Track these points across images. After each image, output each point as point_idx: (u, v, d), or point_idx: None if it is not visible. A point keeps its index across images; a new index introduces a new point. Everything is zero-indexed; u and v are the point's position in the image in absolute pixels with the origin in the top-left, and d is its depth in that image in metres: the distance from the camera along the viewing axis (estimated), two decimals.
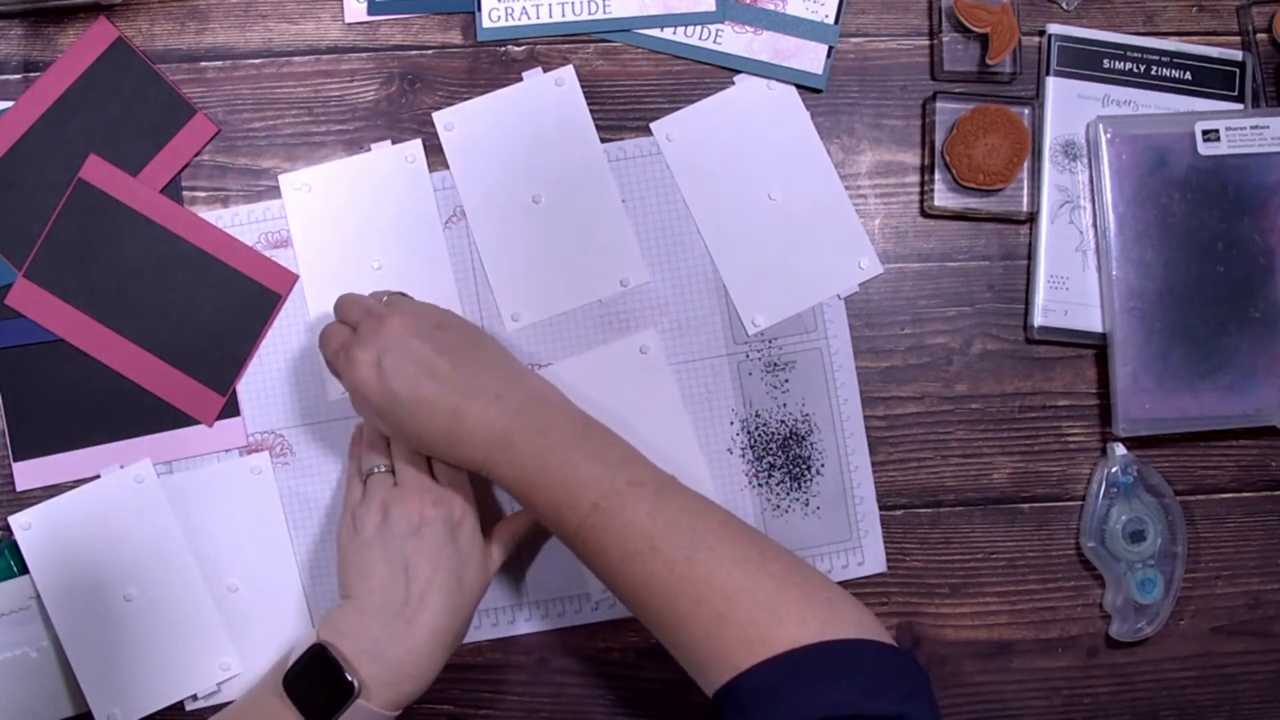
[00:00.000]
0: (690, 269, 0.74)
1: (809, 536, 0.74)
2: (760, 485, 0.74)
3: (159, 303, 0.73)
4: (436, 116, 0.74)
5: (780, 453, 0.74)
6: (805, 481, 0.74)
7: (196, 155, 0.74)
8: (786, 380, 0.74)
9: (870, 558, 0.74)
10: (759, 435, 0.74)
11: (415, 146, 0.74)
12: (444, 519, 0.64)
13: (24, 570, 0.71)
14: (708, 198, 0.74)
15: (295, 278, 0.74)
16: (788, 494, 0.74)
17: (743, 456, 0.74)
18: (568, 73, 0.74)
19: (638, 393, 0.73)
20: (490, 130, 0.74)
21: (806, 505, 0.74)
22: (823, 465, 0.74)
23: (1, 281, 0.72)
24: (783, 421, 0.74)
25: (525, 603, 0.73)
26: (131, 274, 0.73)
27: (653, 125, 0.75)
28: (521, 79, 0.75)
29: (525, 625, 0.73)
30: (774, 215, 0.74)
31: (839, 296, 0.74)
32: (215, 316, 0.73)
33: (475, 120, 0.74)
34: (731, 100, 0.75)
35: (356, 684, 0.61)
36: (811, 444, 0.74)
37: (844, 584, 0.72)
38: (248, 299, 0.73)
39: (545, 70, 0.74)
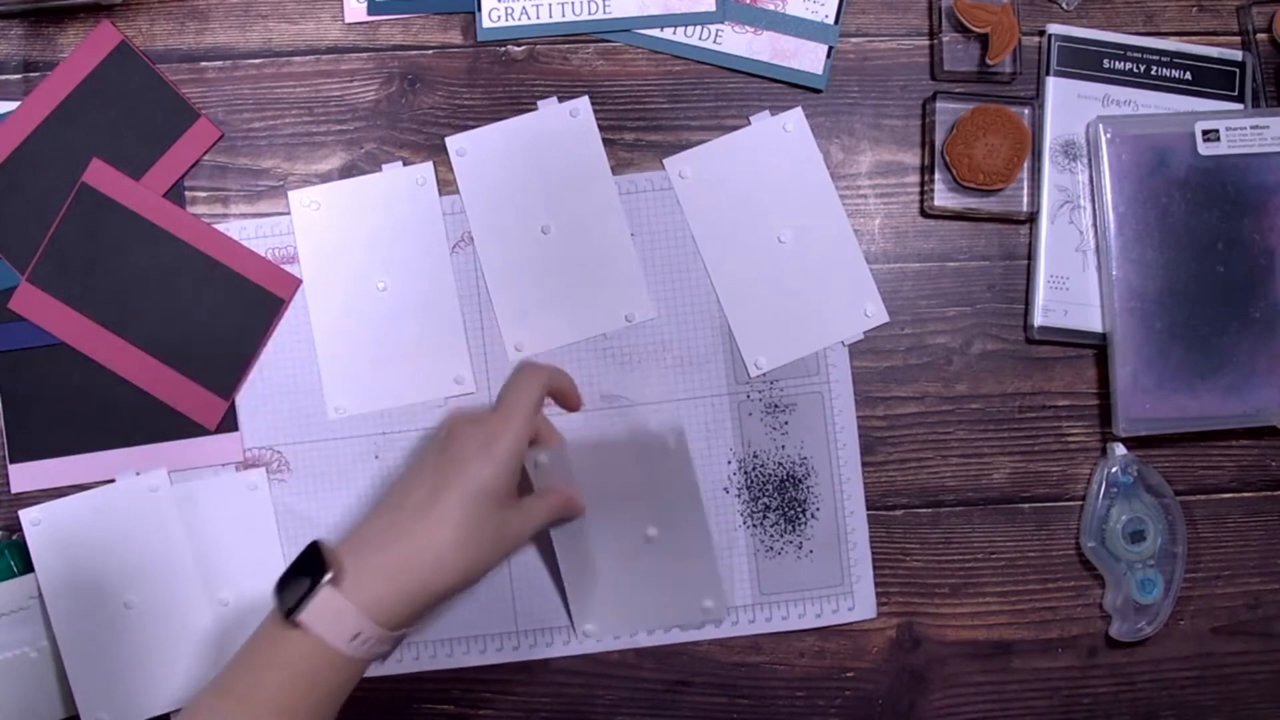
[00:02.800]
0: (696, 307, 0.74)
1: (801, 579, 0.74)
2: (755, 526, 0.74)
3: (161, 307, 0.73)
4: (449, 141, 0.74)
5: (776, 494, 0.74)
6: (800, 524, 0.74)
7: (199, 160, 0.74)
8: (786, 422, 0.74)
9: (861, 603, 0.74)
10: (756, 476, 0.74)
11: (426, 169, 0.74)
12: (479, 433, 0.60)
13: (25, 570, 0.71)
14: (717, 236, 0.74)
15: (298, 282, 0.73)
16: (781, 535, 0.74)
17: (738, 496, 0.74)
18: (583, 103, 0.74)
19: (658, 481, 0.71)
20: (502, 158, 0.74)
21: (800, 548, 0.74)
22: (818, 509, 0.74)
23: (4, 285, 0.72)
24: (780, 464, 0.74)
25: (515, 631, 0.73)
26: (134, 278, 0.73)
27: (666, 161, 0.75)
28: (534, 105, 0.75)
29: (513, 654, 0.73)
30: (783, 258, 0.74)
31: (843, 343, 0.74)
32: (218, 321, 0.73)
33: (488, 147, 0.74)
34: (746, 140, 0.75)
35: (331, 569, 0.56)
36: (808, 488, 0.74)
37: (834, 627, 0.74)
38: (251, 303, 0.73)
39: (560, 100, 0.74)
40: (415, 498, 0.60)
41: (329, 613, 0.56)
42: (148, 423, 0.73)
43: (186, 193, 0.74)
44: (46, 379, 0.72)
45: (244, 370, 0.73)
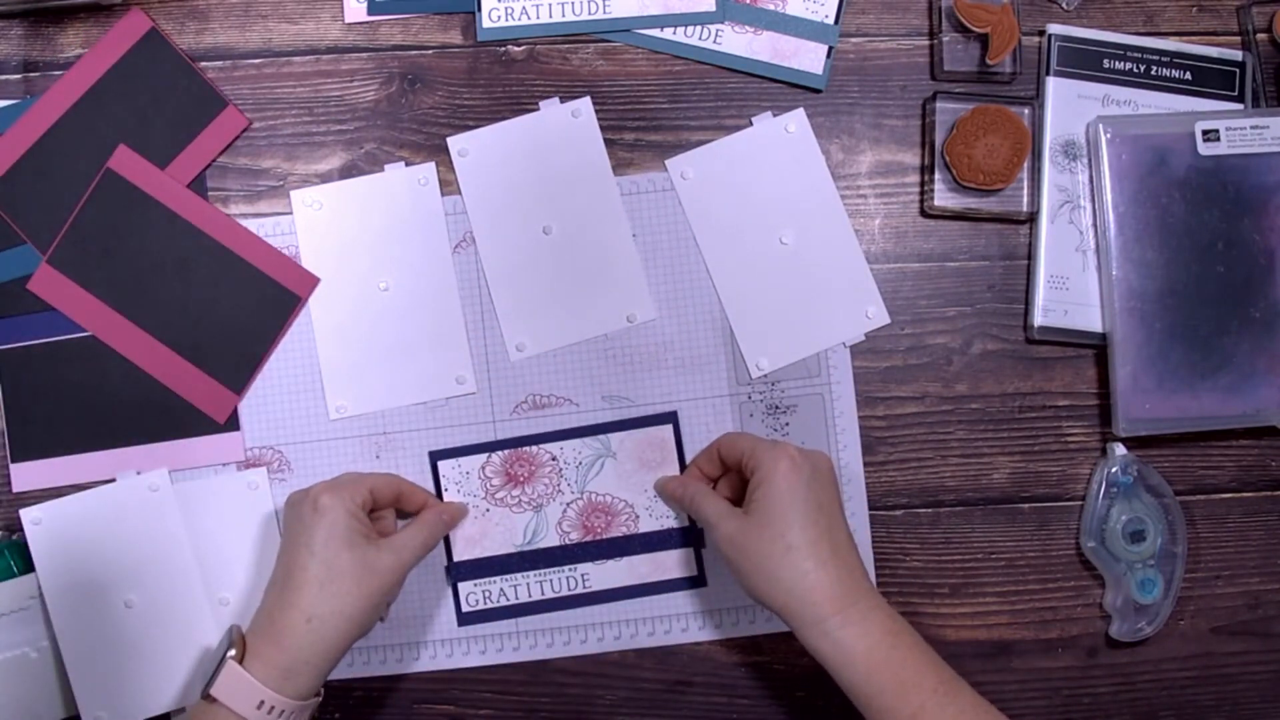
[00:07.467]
0: (697, 308, 0.74)
1: None
2: None
3: (179, 297, 0.73)
4: (451, 141, 0.74)
5: None
6: None
7: (226, 149, 0.74)
8: (787, 424, 0.74)
9: None
10: None
11: (429, 169, 0.74)
12: (305, 498, 0.66)
13: (25, 570, 0.71)
14: (719, 237, 0.74)
15: (316, 281, 0.73)
16: None
17: None
18: (584, 104, 0.74)
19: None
20: (504, 158, 0.74)
21: None
22: None
23: (28, 270, 0.72)
24: None
25: (515, 631, 0.74)
26: (153, 266, 0.73)
27: (668, 162, 0.75)
28: (534, 105, 0.75)
29: (513, 654, 0.74)
30: (784, 259, 0.74)
31: (844, 344, 0.74)
32: (234, 314, 0.73)
33: (490, 147, 0.74)
34: (748, 141, 0.75)
35: (231, 648, 0.63)
36: None
37: None
38: (268, 299, 0.73)
39: (562, 101, 0.74)
40: (278, 571, 0.66)
41: (233, 685, 0.62)
42: (149, 422, 0.73)
43: None
44: (48, 378, 0.72)
45: (257, 366, 0.73)
